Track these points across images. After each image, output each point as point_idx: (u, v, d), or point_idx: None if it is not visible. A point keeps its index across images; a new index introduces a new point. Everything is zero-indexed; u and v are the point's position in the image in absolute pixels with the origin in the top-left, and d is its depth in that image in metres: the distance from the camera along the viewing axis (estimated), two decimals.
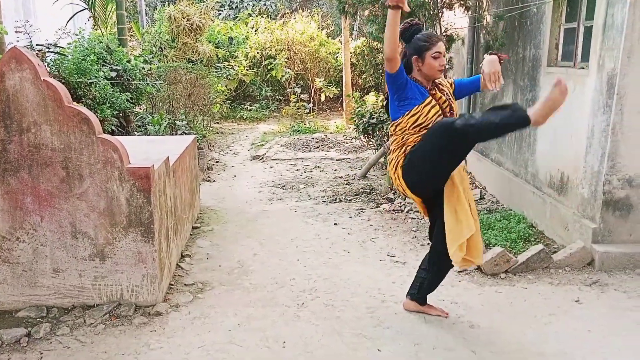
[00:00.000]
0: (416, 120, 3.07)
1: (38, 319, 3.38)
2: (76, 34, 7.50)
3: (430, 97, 3.11)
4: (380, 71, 13.96)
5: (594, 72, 4.25)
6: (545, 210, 4.93)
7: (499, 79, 3.09)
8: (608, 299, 3.68)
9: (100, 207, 3.40)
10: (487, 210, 5.60)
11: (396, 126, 3.16)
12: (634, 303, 3.62)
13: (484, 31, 6.08)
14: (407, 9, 2.86)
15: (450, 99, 3.18)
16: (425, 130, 3.08)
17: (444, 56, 3.10)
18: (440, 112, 3.10)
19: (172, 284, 3.91)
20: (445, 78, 3.32)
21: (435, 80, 3.19)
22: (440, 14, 6.04)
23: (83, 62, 6.73)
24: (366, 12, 6.43)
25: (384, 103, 3.55)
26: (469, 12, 6.34)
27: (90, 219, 3.42)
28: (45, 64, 6.77)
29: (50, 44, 7.10)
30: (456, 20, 6.79)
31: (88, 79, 6.67)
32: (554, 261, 4.15)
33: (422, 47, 3.09)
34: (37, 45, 6.94)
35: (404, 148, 3.17)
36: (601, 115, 4.14)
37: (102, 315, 3.42)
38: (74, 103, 3.36)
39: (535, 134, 5.24)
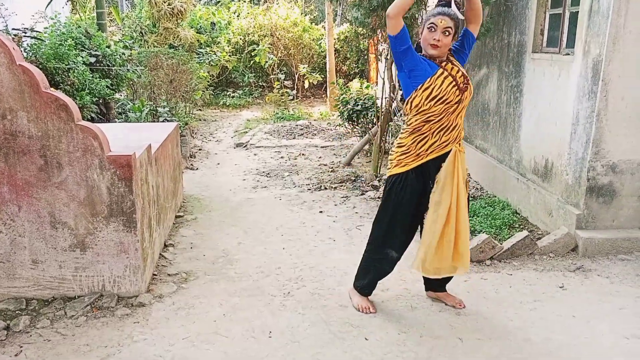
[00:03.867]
0: (430, 93, 2.94)
1: (17, 312, 3.30)
2: (52, 18, 7.29)
3: (442, 69, 2.97)
4: (365, 57, 13.90)
5: (579, 58, 4.25)
6: (529, 197, 4.95)
7: None
8: (592, 284, 3.71)
9: (80, 196, 3.31)
10: (471, 197, 5.60)
11: (410, 103, 3.01)
12: (617, 288, 3.65)
13: None
14: None
15: (462, 70, 3.03)
16: (445, 109, 2.95)
17: (445, 33, 2.91)
18: (454, 83, 2.96)
19: (155, 274, 3.84)
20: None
21: (449, 57, 3.05)
22: (425, 0, 5.98)
23: (60, 47, 6.54)
24: None
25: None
26: None
27: (70, 209, 3.33)
28: (22, 48, 6.57)
29: (27, 29, 6.90)
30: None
31: (66, 65, 6.50)
32: (539, 247, 4.18)
33: (425, 18, 2.99)
34: (12, 29, 6.73)
35: (415, 141, 3.05)
36: (586, 102, 4.15)
37: (84, 307, 3.35)
38: (52, 89, 3.25)
39: (520, 121, 5.25)
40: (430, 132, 3.03)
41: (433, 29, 2.93)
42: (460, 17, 3.00)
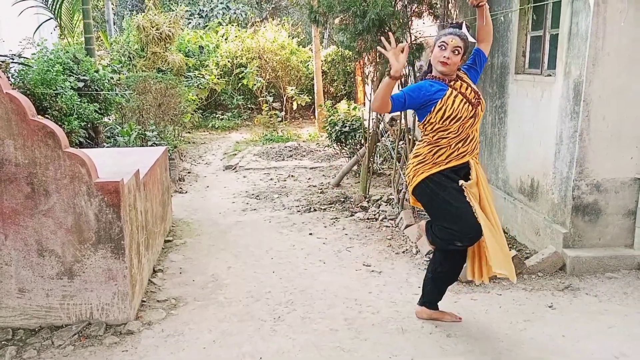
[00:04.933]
0: (444, 114, 3.07)
1: (3, 342, 3.24)
2: (39, 44, 7.31)
3: (451, 89, 3.09)
4: (352, 79, 14.06)
5: (560, 79, 4.34)
6: (516, 216, 5.00)
7: None
8: (580, 303, 3.74)
9: (68, 223, 3.29)
10: None
11: (426, 123, 3.16)
12: (605, 307, 3.68)
13: None
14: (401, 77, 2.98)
15: (472, 86, 3.17)
16: (461, 124, 3.07)
17: (455, 52, 3.04)
18: (465, 100, 3.08)
19: (144, 301, 3.81)
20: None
21: (459, 74, 3.19)
22: (410, 23, 6.09)
23: (48, 72, 6.55)
24: (337, 21, 6.45)
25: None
26: (438, 21, 6.41)
27: (57, 236, 3.30)
28: (9, 75, 6.58)
29: (14, 55, 6.91)
30: (426, 29, 6.87)
31: (54, 90, 6.50)
32: (527, 267, 4.21)
33: (436, 38, 3.14)
34: (0, 56, 6.73)
35: (432, 151, 3.17)
36: (569, 122, 4.23)
37: (71, 335, 3.30)
38: (39, 116, 3.25)
39: (505, 141, 5.32)
40: (449, 144, 3.16)
41: (443, 48, 3.06)
42: (471, 39, 3.14)
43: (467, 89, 3.14)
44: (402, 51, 2.92)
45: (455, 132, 3.12)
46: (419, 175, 3.21)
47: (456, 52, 3.05)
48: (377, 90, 3.01)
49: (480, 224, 3.07)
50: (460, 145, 3.15)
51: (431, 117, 3.11)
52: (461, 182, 3.15)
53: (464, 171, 3.20)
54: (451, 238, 3.17)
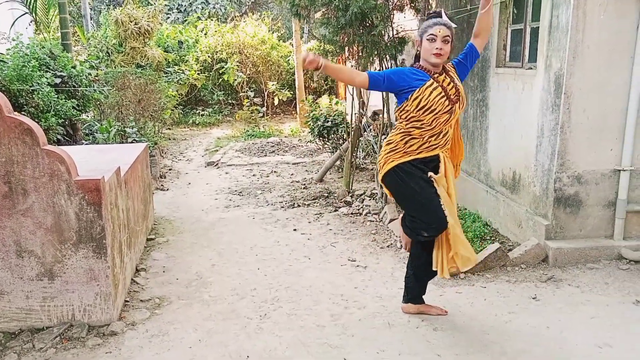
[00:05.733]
0: (419, 103, 3.06)
1: None
2: (14, 39, 7.13)
3: (432, 80, 3.08)
4: None
5: (541, 72, 4.37)
6: (499, 209, 5.03)
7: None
8: (563, 294, 3.78)
9: (47, 223, 3.22)
10: None
11: (401, 110, 3.15)
12: (587, 297, 3.73)
13: None
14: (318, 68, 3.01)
15: (456, 82, 3.15)
16: (435, 117, 3.07)
17: (445, 41, 3.03)
18: (443, 94, 3.07)
19: (127, 301, 3.75)
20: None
21: (445, 66, 3.17)
22: (392, 16, 6.08)
23: (24, 68, 6.41)
24: (318, 14, 6.41)
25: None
26: (419, 15, 6.41)
27: (36, 237, 3.23)
28: None
29: None
30: (407, 23, 6.86)
31: (30, 86, 6.36)
32: (510, 259, 4.24)
33: (422, 30, 3.11)
34: None
35: (404, 140, 3.17)
36: (550, 114, 4.26)
37: (53, 338, 3.23)
38: (15, 113, 3.16)
39: (486, 134, 5.35)
40: (421, 136, 3.15)
41: (433, 40, 3.04)
42: (452, 25, 3.12)
43: (449, 83, 3.12)
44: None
45: (428, 125, 3.11)
46: (389, 163, 3.22)
47: (446, 41, 3.05)
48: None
49: (445, 215, 3.12)
50: (432, 138, 3.15)
51: (407, 105, 3.10)
52: (430, 173, 3.16)
53: (433, 164, 3.20)
54: (418, 228, 3.21)
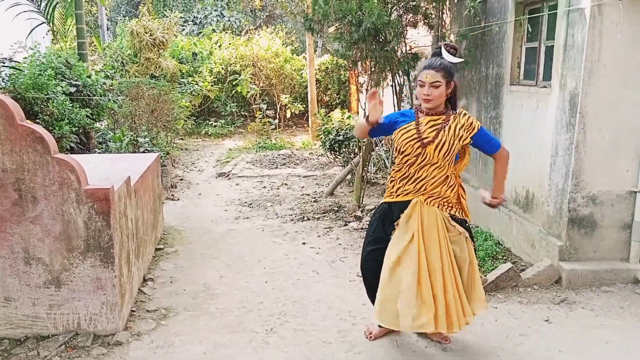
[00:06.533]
0: (395, 145, 3.09)
1: None
2: (31, 48, 7.23)
3: (413, 122, 3.05)
4: (346, 89, 14.07)
5: (556, 91, 4.33)
6: (511, 228, 4.96)
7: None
8: (577, 317, 3.70)
9: (56, 231, 3.21)
10: None
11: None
12: (601, 321, 3.64)
13: None
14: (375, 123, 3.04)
15: (444, 132, 2.97)
16: (406, 160, 3.05)
17: (434, 86, 2.95)
18: (415, 137, 2.99)
19: (133, 311, 3.72)
20: (449, 109, 3.09)
21: (455, 114, 3.04)
22: (405, 32, 6.08)
23: (40, 77, 6.48)
24: (331, 29, 6.43)
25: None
26: (433, 31, 6.41)
27: (45, 244, 3.22)
28: (0, 79, 6.49)
29: (5, 59, 6.82)
30: (420, 39, 6.86)
31: (45, 95, 6.42)
32: (523, 279, 4.17)
33: (417, 73, 3.14)
34: None
35: (389, 178, 3.22)
36: (564, 134, 4.21)
37: (58, 346, 3.21)
38: (28, 121, 3.18)
39: None
40: (396, 178, 3.15)
41: (422, 85, 3.01)
42: (454, 60, 3.02)
43: (432, 127, 3.00)
44: (380, 103, 3.00)
45: (399, 168, 3.10)
46: (384, 197, 3.25)
47: (436, 85, 2.96)
48: (355, 127, 3.22)
49: (368, 259, 3.24)
50: (404, 182, 3.08)
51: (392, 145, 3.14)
52: (397, 222, 3.11)
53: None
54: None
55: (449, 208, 3.08)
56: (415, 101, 3.21)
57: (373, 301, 3.33)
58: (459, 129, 3.02)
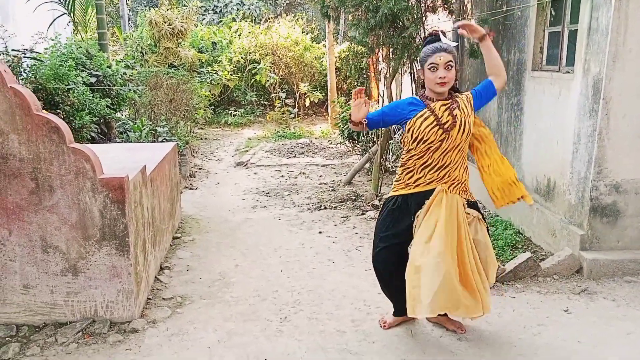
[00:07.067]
0: (412, 135, 2.97)
1: (7, 338, 3.22)
2: (52, 39, 7.31)
3: (426, 109, 2.96)
4: (365, 76, 13.96)
5: (579, 76, 4.20)
6: (532, 217, 4.86)
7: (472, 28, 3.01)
8: (597, 307, 3.61)
9: (72, 219, 3.25)
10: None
11: (402, 142, 3.11)
12: (623, 312, 3.55)
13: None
14: (364, 129, 3.03)
15: (458, 112, 2.94)
16: (428, 148, 2.95)
17: (448, 68, 2.88)
18: (436, 124, 2.91)
19: (149, 299, 3.76)
20: (456, 91, 3.06)
21: (456, 94, 3.01)
22: (424, 18, 5.97)
23: (61, 67, 6.55)
24: (349, 17, 6.35)
25: None
26: (453, 16, 6.28)
27: (61, 233, 3.26)
28: (22, 69, 6.58)
29: (27, 49, 6.91)
30: (440, 24, 6.73)
31: (66, 85, 6.50)
32: (542, 269, 4.08)
33: (422, 59, 2.95)
34: (12, 50, 6.74)
35: (404, 172, 3.09)
36: (587, 120, 4.09)
37: (75, 333, 3.26)
38: (44, 111, 3.21)
39: (521, 139, 5.19)
40: (415, 167, 3.04)
41: (435, 69, 2.89)
42: (453, 44, 2.96)
43: (446, 110, 2.93)
44: (366, 103, 2.94)
45: (419, 156, 3.00)
46: (394, 192, 3.15)
47: (449, 67, 2.89)
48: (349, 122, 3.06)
49: (381, 258, 3.16)
50: (426, 170, 3.00)
51: (404, 137, 3.03)
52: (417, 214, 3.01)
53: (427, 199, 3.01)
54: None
55: (465, 193, 3.05)
56: (421, 91, 3.10)
57: (388, 296, 3.32)
58: (467, 107, 3.00)
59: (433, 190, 3.00)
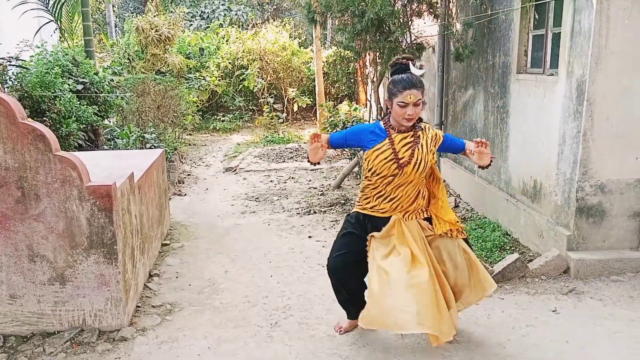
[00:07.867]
0: (367, 165, 2.99)
1: None
2: (38, 47, 7.27)
3: (386, 141, 2.93)
4: (352, 80, 14.01)
5: (563, 78, 4.25)
6: (519, 218, 4.91)
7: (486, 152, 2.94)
8: (585, 307, 3.65)
9: (59, 228, 3.23)
10: (462, 219, 5.55)
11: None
12: (610, 311, 3.59)
13: (454, 39, 6.08)
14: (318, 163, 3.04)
15: (417, 150, 2.91)
16: (381, 180, 2.96)
17: (417, 105, 2.84)
18: (391, 159, 2.90)
19: (139, 306, 3.74)
20: (419, 120, 3.01)
21: (422, 128, 2.99)
22: (410, 22, 6.02)
23: (47, 75, 6.51)
24: (336, 22, 6.39)
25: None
26: (439, 20, 6.34)
27: (48, 241, 3.24)
28: (7, 77, 6.53)
29: (12, 57, 6.86)
30: (426, 29, 6.79)
31: (52, 93, 6.46)
32: (530, 270, 4.12)
33: (391, 91, 2.91)
34: None
35: (361, 194, 3.12)
36: (572, 122, 4.14)
37: (63, 342, 3.23)
38: (29, 119, 3.19)
39: (507, 141, 5.23)
40: (371, 195, 3.07)
41: (403, 105, 2.85)
42: (419, 72, 2.93)
43: (405, 145, 2.91)
44: (322, 148, 2.96)
45: (374, 186, 3.02)
46: (354, 206, 3.18)
47: (418, 104, 2.86)
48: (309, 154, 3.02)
49: (334, 264, 3.16)
50: (380, 200, 3.02)
51: (363, 163, 3.04)
52: (372, 234, 3.04)
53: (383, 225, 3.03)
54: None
55: (423, 213, 3.07)
56: (386, 117, 3.04)
57: (343, 301, 3.33)
58: (430, 144, 2.98)
59: (389, 218, 3.01)
